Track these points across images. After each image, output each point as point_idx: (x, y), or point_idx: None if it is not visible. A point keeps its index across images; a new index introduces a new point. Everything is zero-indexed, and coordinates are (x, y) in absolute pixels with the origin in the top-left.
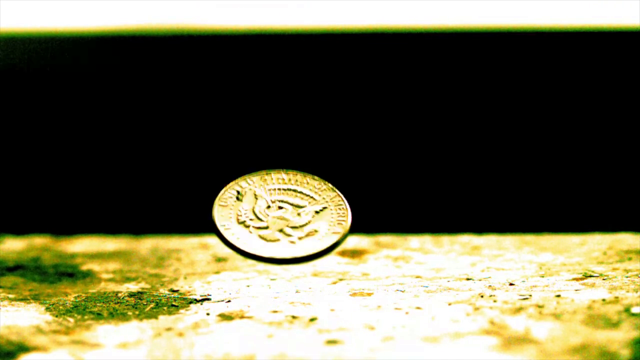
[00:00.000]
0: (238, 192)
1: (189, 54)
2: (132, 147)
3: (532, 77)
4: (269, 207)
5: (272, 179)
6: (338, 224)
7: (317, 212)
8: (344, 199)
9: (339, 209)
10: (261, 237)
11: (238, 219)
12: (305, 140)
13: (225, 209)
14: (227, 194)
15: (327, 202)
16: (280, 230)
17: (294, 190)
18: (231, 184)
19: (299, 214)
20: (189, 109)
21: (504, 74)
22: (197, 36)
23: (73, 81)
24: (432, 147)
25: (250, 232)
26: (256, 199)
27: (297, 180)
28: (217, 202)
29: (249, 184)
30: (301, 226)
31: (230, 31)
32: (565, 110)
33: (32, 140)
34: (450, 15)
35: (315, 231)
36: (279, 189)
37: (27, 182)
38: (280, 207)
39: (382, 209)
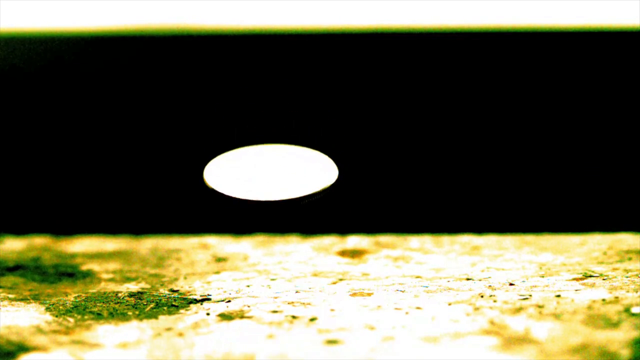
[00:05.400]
0: None
1: (189, 54)
2: (132, 147)
3: (532, 77)
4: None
5: None
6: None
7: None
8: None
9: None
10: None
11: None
12: (305, 142)
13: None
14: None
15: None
16: None
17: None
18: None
19: None
20: (190, 109)
21: (504, 74)
22: (197, 36)
23: (73, 81)
24: (432, 147)
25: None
26: None
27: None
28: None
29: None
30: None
31: (230, 31)
32: (565, 110)
33: (32, 140)
34: (450, 16)
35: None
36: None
37: (27, 182)
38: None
39: (382, 209)
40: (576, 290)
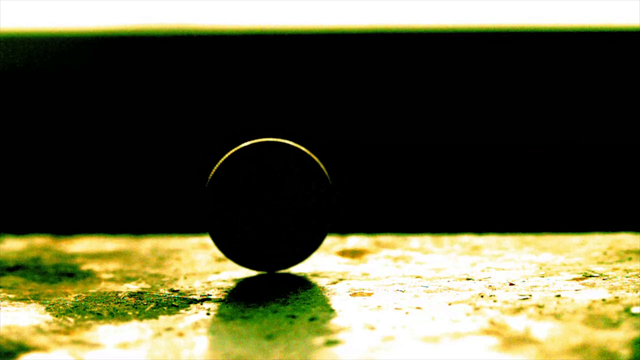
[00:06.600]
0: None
1: (189, 54)
2: (132, 147)
3: (532, 77)
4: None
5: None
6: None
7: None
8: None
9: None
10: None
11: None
12: (306, 142)
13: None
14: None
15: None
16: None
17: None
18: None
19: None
20: (189, 109)
21: (504, 74)
22: (197, 36)
23: (73, 81)
24: (432, 148)
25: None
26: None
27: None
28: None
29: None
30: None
31: (231, 31)
32: (566, 111)
33: (32, 140)
34: (450, 16)
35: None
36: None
37: (27, 182)
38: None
39: (382, 209)
40: (576, 290)
